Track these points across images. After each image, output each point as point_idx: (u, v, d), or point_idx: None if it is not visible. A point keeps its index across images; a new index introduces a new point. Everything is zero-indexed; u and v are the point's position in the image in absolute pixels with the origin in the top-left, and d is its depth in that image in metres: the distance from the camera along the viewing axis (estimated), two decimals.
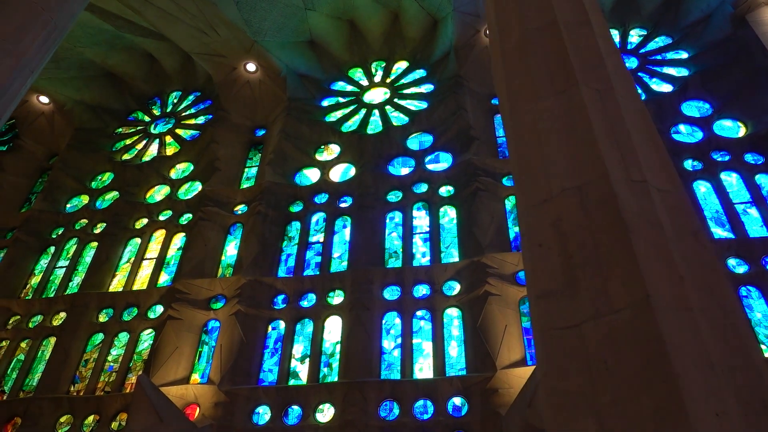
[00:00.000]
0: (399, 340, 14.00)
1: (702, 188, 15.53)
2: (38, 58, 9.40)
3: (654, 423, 3.13)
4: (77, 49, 20.22)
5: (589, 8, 5.85)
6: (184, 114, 21.78)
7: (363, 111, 19.87)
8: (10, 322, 16.67)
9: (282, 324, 14.95)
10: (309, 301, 15.16)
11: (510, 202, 16.04)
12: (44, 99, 21.55)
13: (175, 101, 22.48)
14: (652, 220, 3.99)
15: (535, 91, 5.24)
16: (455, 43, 18.74)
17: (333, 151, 18.87)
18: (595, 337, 3.58)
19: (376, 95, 20.38)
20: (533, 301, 4.00)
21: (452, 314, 14.22)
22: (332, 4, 19.33)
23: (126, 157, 20.81)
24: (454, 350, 13.61)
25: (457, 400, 12.62)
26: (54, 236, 18.69)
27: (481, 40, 18.64)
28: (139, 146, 21.12)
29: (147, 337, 15.57)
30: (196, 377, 14.45)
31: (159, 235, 17.94)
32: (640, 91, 15.63)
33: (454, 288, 14.52)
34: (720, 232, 14.46)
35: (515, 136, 5.11)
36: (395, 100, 19.94)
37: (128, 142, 21.46)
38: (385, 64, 21.22)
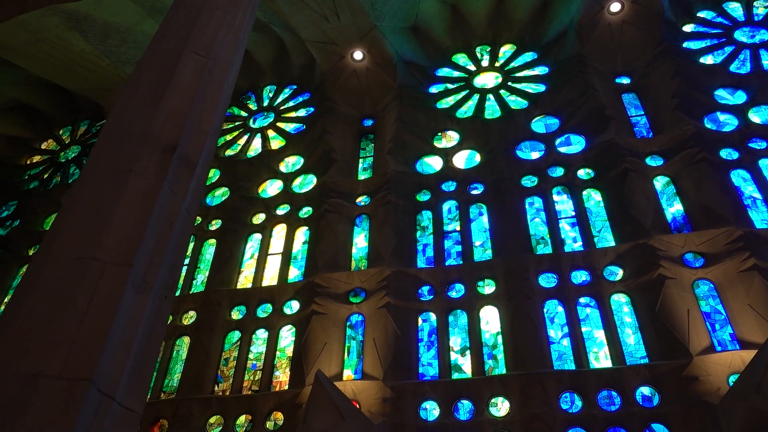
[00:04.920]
0: (566, 329, 13.30)
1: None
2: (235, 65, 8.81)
3: None
4: None
5: None
6: (282, 107, 21.28)
7: (476, 96, 19.19)
8: None
9: (433, 316, 14.34)
10: (458, 291, 14.52)
11: (659, 182, 15.27)
12: None
13: (271, 95, 22.00)
14: None
15: None
16: (579, 21, 17.94)
17: (452, 137, 18.19)
18: None
19: (487, 80, 19.67)
20: None
21: (620, 300, 13.48)
22: None
23: (230, 152, 20.37)
24: (630, 338, 12.87)
25: (645, 390, 11.89)
26: None
27: (604, 17, 17.82)
28: (241, 141, 20.67)
29: (288, 334, 15.04)
30: (349, 373, 13.89)
31: (280, 229, 17.43)
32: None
33: (617, 273, 13.78)
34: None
35: None
36: (509, 83, 19.23)
37: (229, 137, 21.00)
38: (490, 48, 20.52)
